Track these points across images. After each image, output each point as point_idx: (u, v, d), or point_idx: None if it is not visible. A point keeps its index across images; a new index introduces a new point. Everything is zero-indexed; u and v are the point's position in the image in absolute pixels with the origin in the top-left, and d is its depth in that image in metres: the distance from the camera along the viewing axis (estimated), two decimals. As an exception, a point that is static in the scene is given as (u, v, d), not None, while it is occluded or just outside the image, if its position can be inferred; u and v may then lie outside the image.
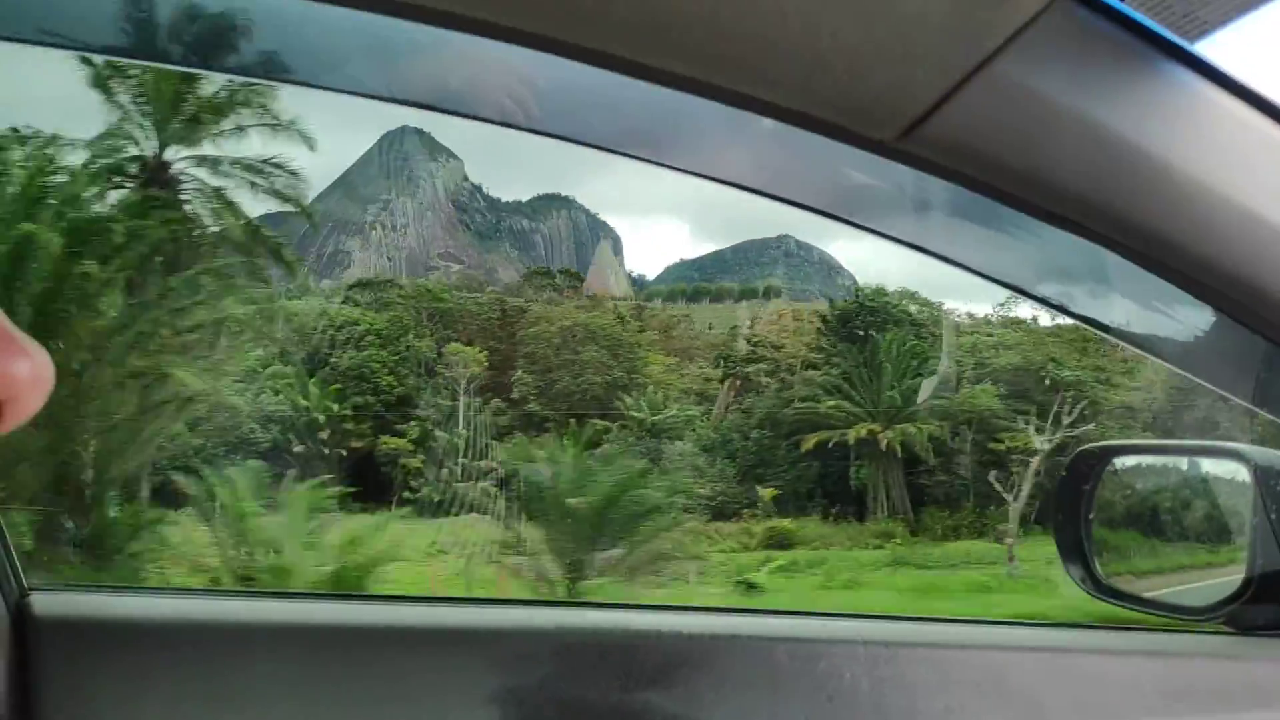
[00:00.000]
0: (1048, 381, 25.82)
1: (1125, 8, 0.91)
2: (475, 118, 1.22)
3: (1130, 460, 1.67)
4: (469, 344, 28.05)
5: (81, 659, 1.14)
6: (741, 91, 0.96)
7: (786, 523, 23.66)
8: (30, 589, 1.23)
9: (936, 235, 1.31)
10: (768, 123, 1.01)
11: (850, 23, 0.88)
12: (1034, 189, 1.00)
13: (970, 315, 30.49)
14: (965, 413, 25.48)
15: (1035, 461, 23.46)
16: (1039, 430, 24.55)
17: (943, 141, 0.96)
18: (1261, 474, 1.36)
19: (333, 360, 26.85)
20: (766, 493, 24.28)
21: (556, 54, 0.94)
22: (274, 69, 1.13)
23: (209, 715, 1.14)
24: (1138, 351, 1.47)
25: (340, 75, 1.18)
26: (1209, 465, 1.61)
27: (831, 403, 26.69)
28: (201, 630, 1.19)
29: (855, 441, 25.91)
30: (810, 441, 25.94)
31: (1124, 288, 1.31)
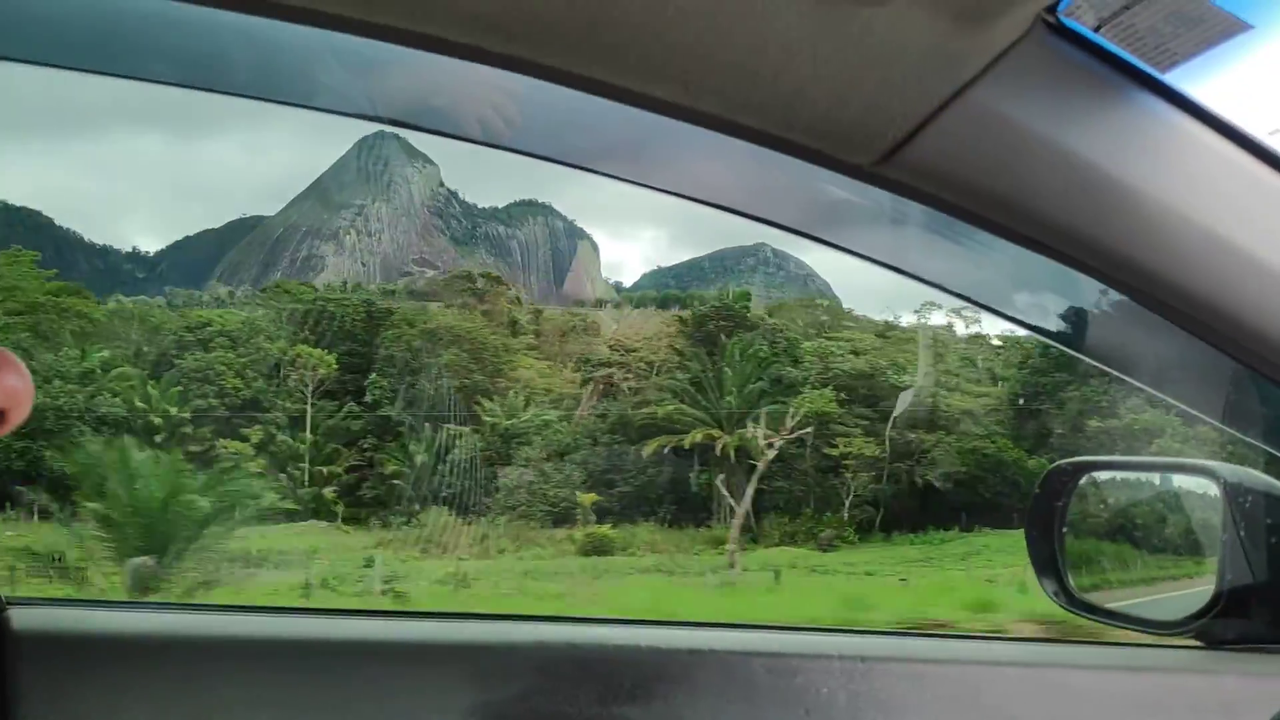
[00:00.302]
0: (888, 386, 26.31)
1: (1098, 38, 0.93)
2: (457, 136, 1.23)
3: (1102, 476, 1.70)
4: (320, 346, 27.39)
5: (60, 673, 1.13)
6: (723, 117, 0.97)
7: (606, 529, 23.27)
8: (8, 603, 1.22)
9: (913, 255, 1.32)
10: (744, 143, 1.02)
11: (830, 50, 0.89)
12: (1009, 214, 1.01)
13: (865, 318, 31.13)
14: (805, 418, 25.41)
15: (760, 466, 23.73)
16: (866, 434, 25.00)
17: (921, 167, 0.98)
18: (1231, 490, 1.38)
19: (179, 362, 26.22)
20: (585, 499, 23.93)
21: (543, 79, 0.95)
22: (258, 87, 1.14)
23: None
24: (1110, 371, 1.49)
25: (322, 94, 1.18)
26: (1180, 482, 1.64)
27: (671, 407, 26.58)
28: (180, 645, 1.18)
29: (692, 446, 25.80)
30: (650, 446, 25.75)
31: (1097, 309, 1.34)
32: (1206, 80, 1.00)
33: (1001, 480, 24.39)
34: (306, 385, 26.36)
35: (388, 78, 1.15)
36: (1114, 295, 1.17)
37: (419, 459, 24.98)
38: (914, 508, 25.32)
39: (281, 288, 32.89)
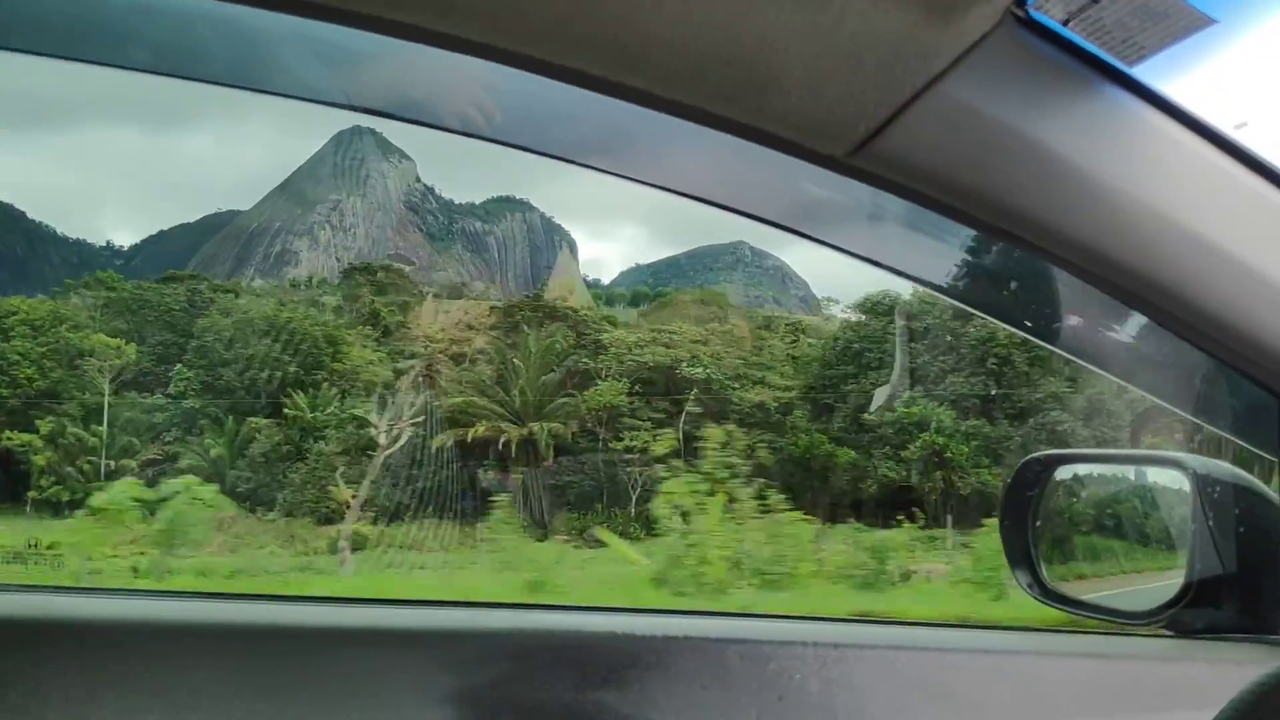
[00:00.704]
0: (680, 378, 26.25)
1: (1067, 32, 0.94)
2: (438, 127, 1.23)
3: (1076, 469, 1.71)
4: (118, 336, 26.52)
5: (31, 659, 1.12)
6: (699, 107, 0.97)
7: (365, 526, 22.34)
8: None
9: (890, 249, 1.33)
10: (724, 136, 1.02)
11: (802, 43, 0.90)
12: (980, 205, 1.02)
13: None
14: (594, 411, 25.44)
15: (380, 457, 23.33)
16: (653, 428, 24.55)
17: (893, 158, 0.99)
18: (1200, 482, 1.40)
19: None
20: (344, 493, 22.91)
21: (520, 69, 0.95)
22: (237, 77, 1.13)
23: (164, 716, 1.13)
24: (1084, 364, 1.50)
25: (302, 83, 1.18)
26: (1152, 474, 1.66)
27: (461, 399, 26.26)
28: (153, 631, 1.18)
29: (474, 441, 25.54)
30: (439, 440, 25.22)
31: (1071, 303, 1.35)
32: (1174, 74, 1.01)
33: (781, 473, 24.10)
34: (104, 375, 25.59)
35: (369, 68, 1.15)
36: (1085, 288, 1.18)
37: (214, 453, 24.52)
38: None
39: (98, 278, 31.80)
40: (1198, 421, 1.43)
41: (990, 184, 1.00)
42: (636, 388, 26.56)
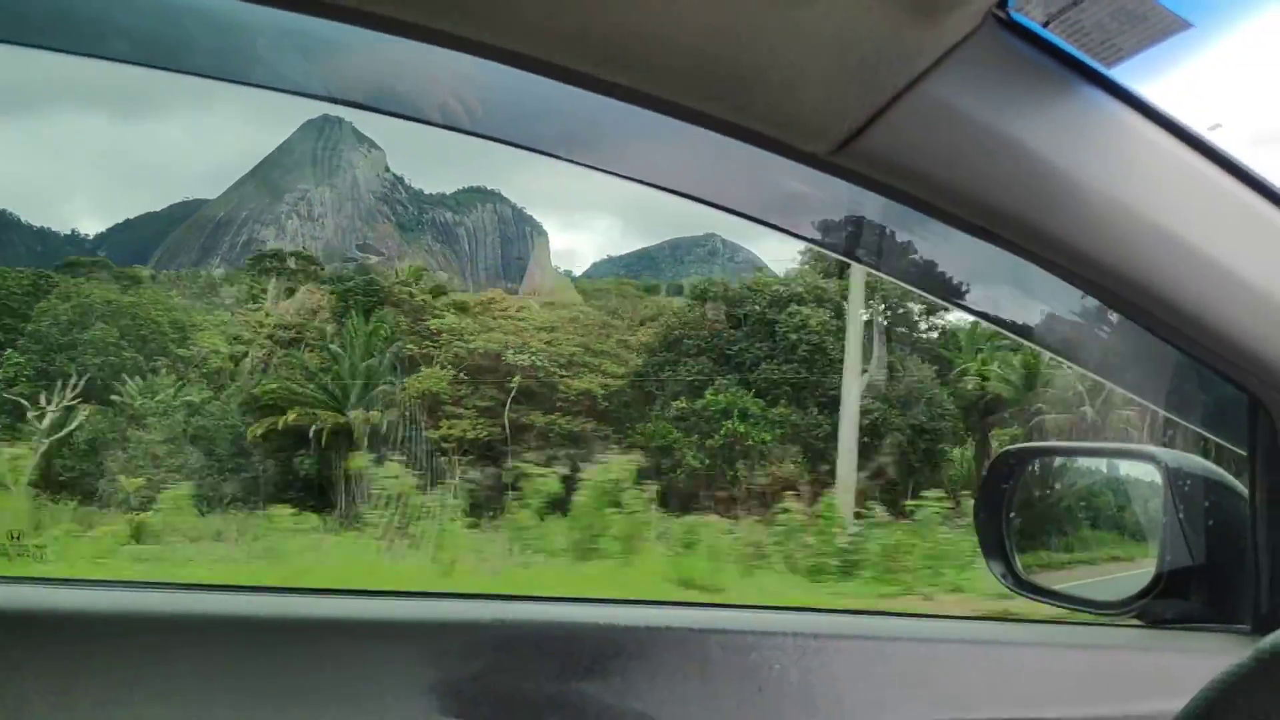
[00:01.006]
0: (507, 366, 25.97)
1: (1047, 33, 0.95)
2: (418, 119, 1.23)
3: (1050, 462, 1.74)
4: None
5: (13, 651, 1.12)
6: (683, 104, 0.98)
7: (148, 516, 22.29)
8: None
9: (867, 245, 1.35)
10: (704, 131, 1.03)
11: (786, 41, 0.90)
12: (960, 203, 1.04)
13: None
14: (415, 399, 25.10)
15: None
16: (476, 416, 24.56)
17: (875, 156, 1.00)
18: (1171, 475, 1.42)
19: None
20: (130, 484, 22.27)
21: (503, 63, 0.95)
22: (217, 68, 1.12)
23: (145, 708, 1.12)
24: (1059, 358, 1.52)
25: (282, 75, 1.17)
26: (1124, 467, 1.68)
27: (276, 385, 25.68)
28: (138, 623, 1.17)
29: (287, 428, 24.90)
30: (258, 428, 24.78)
31: (1047, 299, 1.37)
32: (1151, 76, 1.03)
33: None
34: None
35: (349, 60, 1.14)
36: (1062, 285, 1.20)
37: (34, 439, 23.31)
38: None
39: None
40: (1170, 416, 1.45)
41: (970, 182, 1.02)
42: (464, 375, 26.20)
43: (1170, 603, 1.40)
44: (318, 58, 1.18)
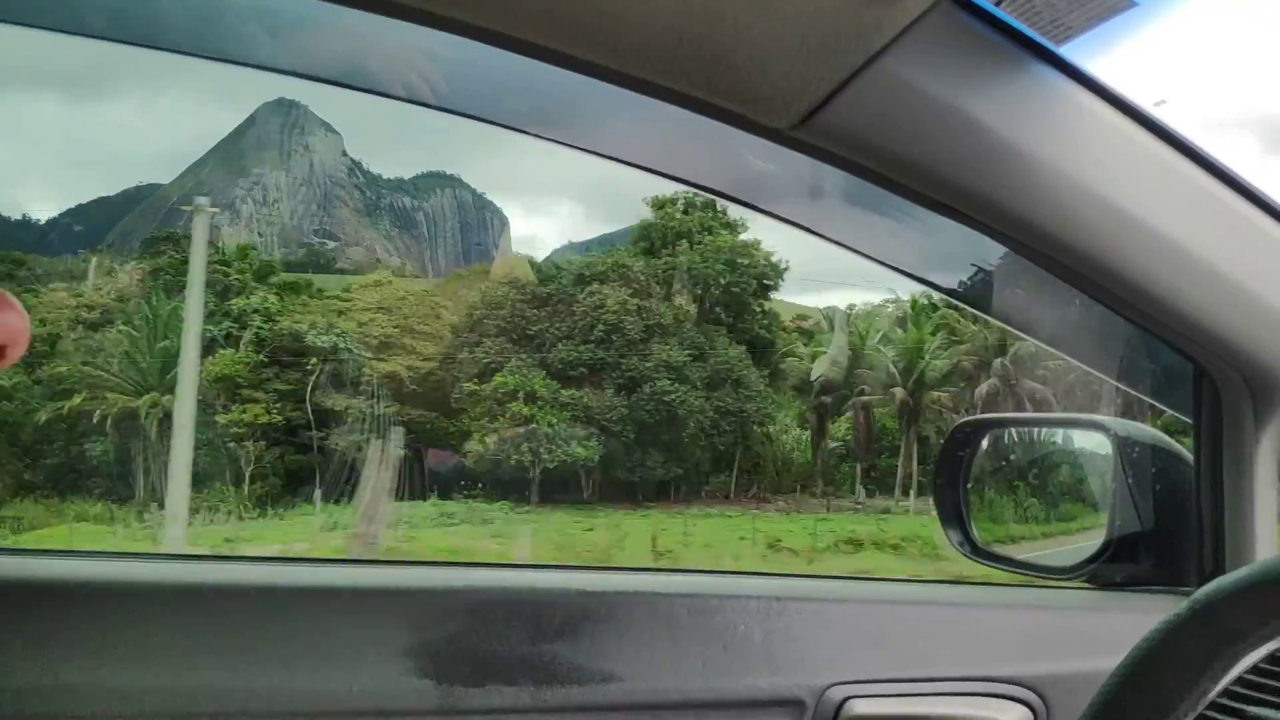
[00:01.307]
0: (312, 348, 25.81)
1: (999, 12, 0.98)
2: (383, 94, 1.24)
3: (1005, 432, 1.79)
4: None
5: None
6: (651, 81, 1.00)
7: None
8: None
9: (830, 219, 1.38)
10: (671, 107, 1.05)
11: (751, 19, 0.93)
12: (917, 178, 1.07)
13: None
14: (212, 382, 24.71)
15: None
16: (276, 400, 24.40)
17: (836, 131, 1.03)
18: (1121, 444, 1.47)
19: None
20: None
21: (472, 39, 0.97)
22: (190, 44, 1.13)
23: (123, 675, 1.14)
24: (1015, 332, 1.57)
25: (252, 51, 1.18)
26: (1076, 436, 1.74)
27: (64, 367, 25.13)
28: (113, 591, 1.19)
29: (72, 412, 24.59)
30: (44, 413, 24.46)
31: (1002, 272, 1.41)
32: (1100, 53, 1.07)
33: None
34: None
35: (317, 35, 1.15)
36: (1016, 258, 1.24)
37: None
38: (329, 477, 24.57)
39: None
40: (1121, 385, 1.50)
41: (927, 158, 1.05)
42: (268, 357, 25.90)
43: (1119, 566, 1.46)
44: (285, 33, 1.19)
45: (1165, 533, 1.45)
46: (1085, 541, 1.53)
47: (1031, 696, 1.32)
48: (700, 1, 0.92)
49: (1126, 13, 0.99)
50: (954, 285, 1.51)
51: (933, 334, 30.78)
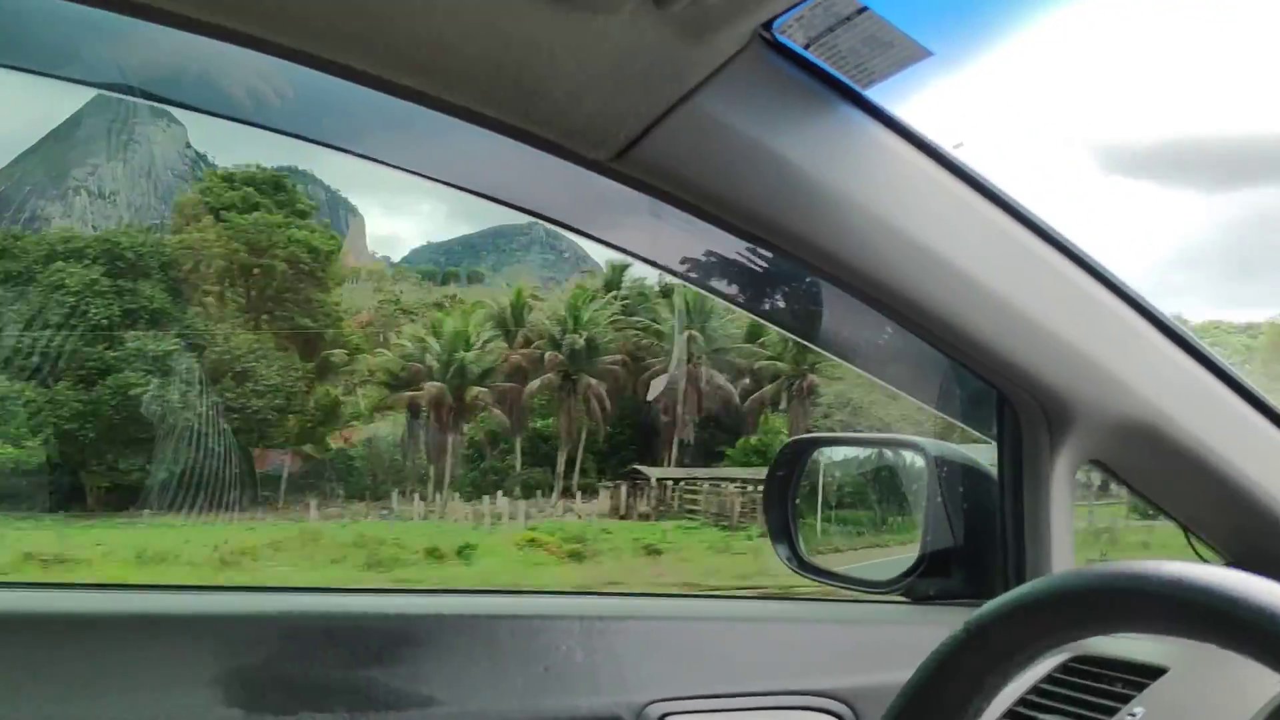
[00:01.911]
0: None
1: (809, 55, 1.02)
2: (202, 110, 1.20)
3: (832, 451, 1.85)
4: None
5: None
6: (467, 107, 1.01)
7: None
8: None
9: (663, 248, 1.40)
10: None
11: (567, 53, 0.94)
12: (732, 212, 1.11)
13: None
14: None
15: None
16: None
17: (651, 165, 1.05)
18: (934, 463, 1.55)
19: None
20: None
21: (288, 60, 0.95)
22: (7, 57, 1.08)
23: None
24: (841, 361, 1.62)
25: (74, 65, 1.14)
26: (895, 456, 1.81)
27: None
28: None
29: None
30: None
31: (826, 304, 1.46)
32: (905, 98, 1.12)
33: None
34: None
35: (143, 49, 1.11)
36: (839, 292, 1.29)
37: None
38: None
39: None
40: (935, 411, 1.58)
41: (740, 193, 1.08)
42: None
43: (932, 580, 1.52)
44: (108, 44, 1.14)
45: (974, 548, 1.52)
46: (904, 556, 1.59)
47: (842, 708, 1.36)
48: (515, 32, 0.92)
49: (927, 60, 1.05)
50: (782, 317, 1.56)
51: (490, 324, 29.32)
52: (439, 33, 0.92)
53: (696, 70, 0.97)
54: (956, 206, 1.18)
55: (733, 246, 1.32)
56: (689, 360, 27.68)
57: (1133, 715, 1.18)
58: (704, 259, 1.42)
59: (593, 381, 27.89)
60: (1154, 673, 1.22)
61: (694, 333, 28.05)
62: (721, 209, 1.10)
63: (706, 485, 24.80)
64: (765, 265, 1.38)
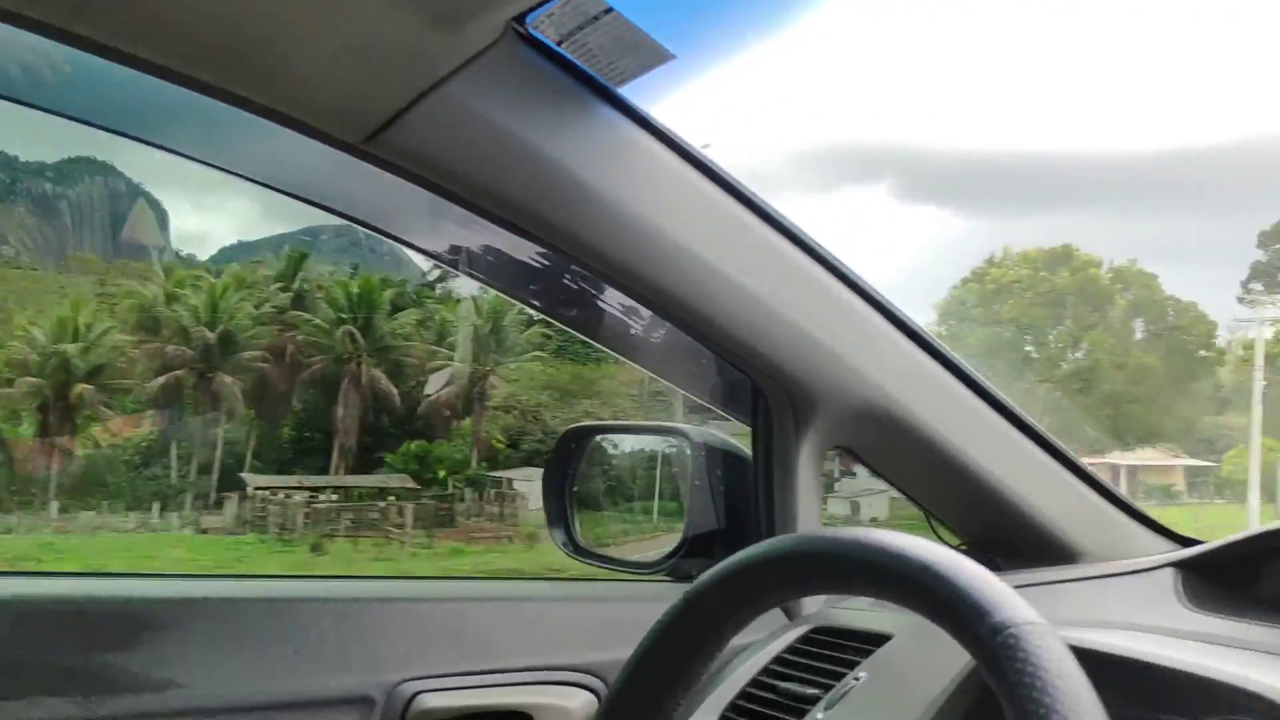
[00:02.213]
0: None
1: (562, 50, 1.08)
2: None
3: (608, 438, 1.92)
4: None
5: None
6: (214, 84, 1.01)
7: None
8: None
9: (424, 234, 1.43)
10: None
11: (318, 34, 0.97)
12: (486, 199, 1.15)
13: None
14: None
15: None
16: None
17: (403, 149, 1.08)
18: (696, 449, 1.63)
19: None
20: None
21: (34, 32, 0.93)
22: None
23: None
24: (616, 355, 1.69)
25: None
26: (663, 443, 1.89)
27: None
28: None
29: None
30: None
31: (605, 299, 1.51)
32: (658, 98, 1.19)
33: None
34: None
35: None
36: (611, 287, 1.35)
37: None
38: None
39: None
40: (698, 399, 1.67)
41: (493, 182, 1.12)
42: None
43: (695, 561, 1.60)
44: None
45: (734, 529, 1.61)
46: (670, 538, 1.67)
47: (597, 683, 1.42)
48: (263, 12, 0.94)
49: (678, 63, 1.12)
50: (561, 311, 1.61)
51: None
52: (181, 10, 0.93)
53: (449, 58, 1.01)
54: (704, 203, 1.25)
55: (516, 242, 1.36)
56: (348, 358, 26.54)
57: (856, 679, 1.27)
58: (474, 249, 1.46)
59: (228, 379, 26.31)
60: (880, 640, 1.32)
61: (352, 329, 26.92)
62: (476, 195, 1.14)
63: (283, 495, 23.37)
64: (543, 259, 1.43)
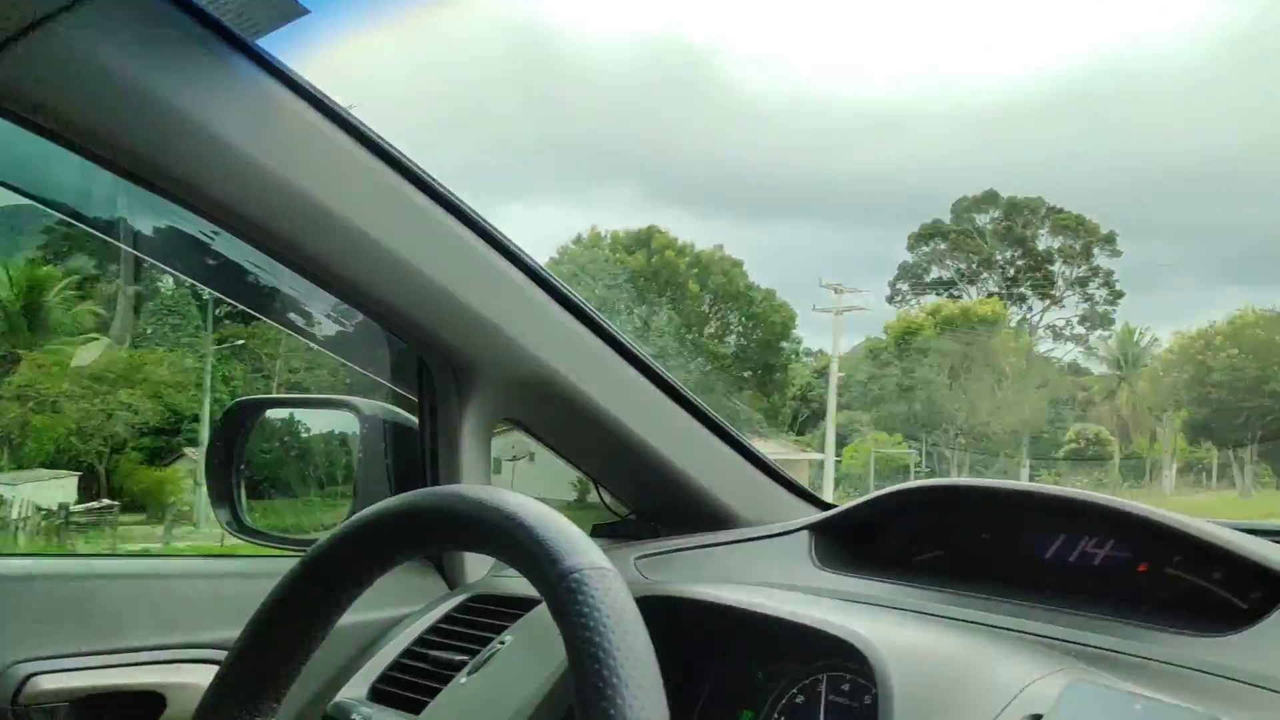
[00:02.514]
0: None
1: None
2: None
3: (277, 413, 1.85)
4: None
5: None
6: None
7: None
8: None
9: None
10: None
11: None
12: (104, 146, 1.07)
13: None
14: None
15: None
16: None
17: (7, 87, 0.99)
18: (365, 421, 1.61)
19: None
20: None
21: None
22: None
23: None
24: (285, 329, 1.63)
25: None
26: (333, 416, 1.85)
27: None
28: None
29: None
30: None
31: (266, 270, 1.45)
32: (307, 54, 1.16)
33: None
34: None
35: None
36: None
37: None
38: None
39: None
40: (363, 371, 1.64)
41: (113, 128, 1.05)
42: None
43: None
44: None
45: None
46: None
47: None
48: None
49: (330, 21, 1.10)
50: (218, 281, 1.53)
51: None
52: None
53: None
54: (350, 164, 1.23)
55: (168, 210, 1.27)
56: None
57: (502, 643, 1.30)
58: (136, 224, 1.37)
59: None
60: (530, 605, 1.34)
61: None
62: (94, 144, 1.06)
63: None
64: (190, 221, 1.35)
